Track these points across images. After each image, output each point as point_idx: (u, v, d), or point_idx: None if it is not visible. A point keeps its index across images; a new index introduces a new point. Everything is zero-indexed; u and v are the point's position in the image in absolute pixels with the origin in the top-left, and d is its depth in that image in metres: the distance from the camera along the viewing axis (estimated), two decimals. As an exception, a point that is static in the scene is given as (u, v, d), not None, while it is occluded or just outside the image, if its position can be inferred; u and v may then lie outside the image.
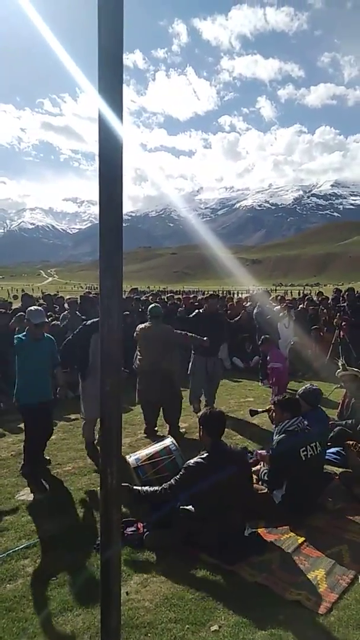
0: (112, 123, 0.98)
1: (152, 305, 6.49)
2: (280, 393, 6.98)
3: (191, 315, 7.29)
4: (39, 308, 4.94)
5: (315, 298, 13.82)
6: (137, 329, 6.04)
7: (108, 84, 1.00)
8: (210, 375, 6.97)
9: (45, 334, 4.83)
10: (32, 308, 4.81)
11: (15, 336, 4.71)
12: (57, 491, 4.31)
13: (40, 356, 4.67)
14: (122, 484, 3.48)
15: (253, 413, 5.26)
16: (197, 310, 7.37)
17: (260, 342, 7.70)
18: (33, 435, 4.65)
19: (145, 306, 10.70)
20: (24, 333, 4.70)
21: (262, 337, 7.77)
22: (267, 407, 5.08)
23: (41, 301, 12.00)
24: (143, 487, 3.54)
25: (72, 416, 6.58)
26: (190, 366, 6.99)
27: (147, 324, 6.03)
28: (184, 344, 6.33)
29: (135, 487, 3.55)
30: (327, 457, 4.57)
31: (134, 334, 6.07)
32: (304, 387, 4.58)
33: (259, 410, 5.15)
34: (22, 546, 3.34)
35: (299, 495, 3.65)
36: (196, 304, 12.55)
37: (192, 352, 7.04)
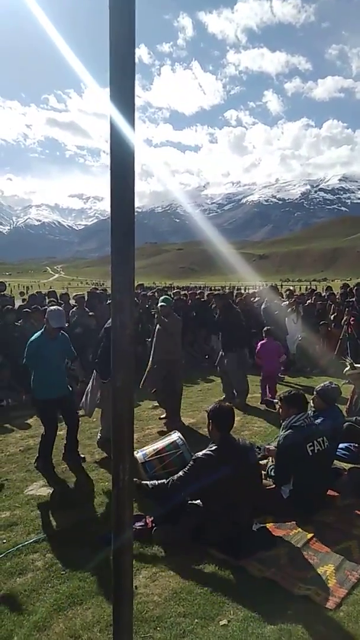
0: (123, 129, 0.97)
1: (162, 297, 6.66)
2: (271, 382, 7.43)
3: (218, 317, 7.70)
4: (60, 309, 4.93)
5: (323, 293, 13.72)
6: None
7: (120, 90, 0.98)
8: (227, 371, 7.28)
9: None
10: (52, 308, 4.81)
11: (32, 339, 4.71)
12: (66, 486, 4.34)
13: (55, 353, 4.74)
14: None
15: (269, 403, 5.23)
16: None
17: (264, 331, 7.82)
18: (50, 429, 4.70)
19: (152, 302, 10.72)
20: (40, 332, 4.72)
21: (265, 328, 7.90)
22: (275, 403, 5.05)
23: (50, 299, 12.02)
24: (151, 481, 3.54)
25: (80, 412, 6.59)
26: (219, 363, 7.33)
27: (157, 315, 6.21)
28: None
29: (143, 482, 3.55)
30: (336, 453, 4.56)
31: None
32: (322, 385, 4.52)
33: (274, 400, 5.11)
34: (31, 540, 3.37)
35: (306, 490, 3.64)
36: (203, 299, 12.54)
37: (222, 349, 7.37)
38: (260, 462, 3.92)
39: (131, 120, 0.96)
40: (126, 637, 1.10)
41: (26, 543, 3.33)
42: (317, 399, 4.35)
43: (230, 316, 7.31)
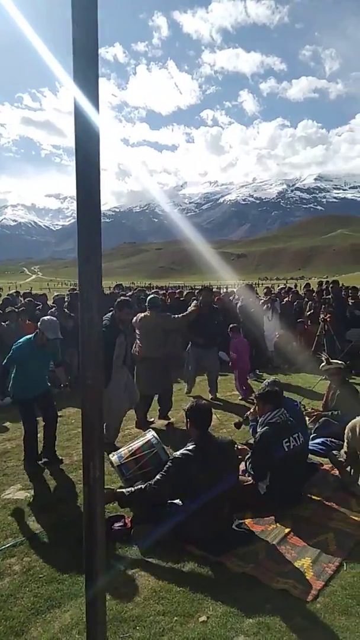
0: (88, 112, 0.97)
1: (151, 295, 6.69)
2: (242, 376, 7.58)
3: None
4: (54, 319, 4.81)
5: (301, 291, 13.91)
6: (136, 317, 6.08)
7: (83, 73, 0.98)
8: (207, 367, 7.37)
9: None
10: (46, 318, 4.74)
11: (20, 341, 4.66)
12: (44, 488, 4.29)
13: (42, 360, 4.76)
14: (106, 487, 3.45)
15: (239, 425, 5.09)
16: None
17: (229, 329, 7.88)
18: (29, 427, 4.69)
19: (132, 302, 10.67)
20: (30, 338, 4.67)
21: (230, 325, 7.96)
22: (245, 416, 5.01)
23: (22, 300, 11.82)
24: (127, 489, 3.41)
25: (63, 411, 6.54)
26: (186, 356, 7.37)
27: (146, 313, 6.11)
28: (182, 326, 6.45)
29: (119, 490, 3.42)
30: (311, 447, 4.63)
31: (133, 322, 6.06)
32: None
33: (241, 420, 5.06)
34: (8, 544, 3.32)
35: (283, 485, 3.68)
36: (182, 299, 12.56)
37: (190, 342, 7.35)
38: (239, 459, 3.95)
39: (95, 103, 0.96)
40: (99, 636, 1.09)
41: (3, 547, 3.28)
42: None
43: (213, 315, 7.34)
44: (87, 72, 0.96)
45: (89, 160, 0.98)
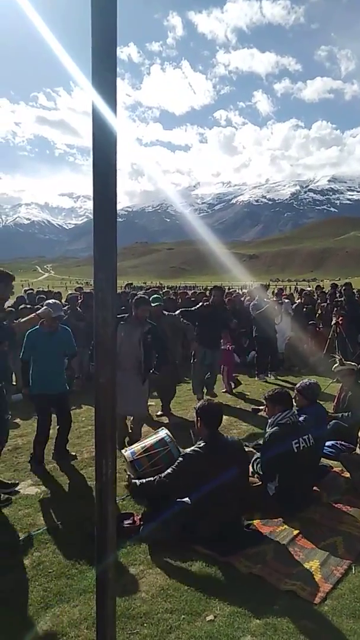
0: (105, 115, 0.99)
1: (154, 295, 6.74)
2: (229, 372, 7.90)
3: (195, 308, 7.52)
4: (56, 301, 5.00)
5: (314, 292, 13.83)
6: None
7: (102, 76, 1.00)
8: (210, 366, 7.28)
9: (61, 325, 4.92)
10: (50, 301, 4.91)
11: (29, 331, 4.73)
12: (55, 485, 4.34)
13: (53, 348, 4.79)
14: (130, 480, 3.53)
15: (256, 411, 5.26)
16: (201, 303, 7.60)
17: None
18: (42, 427, 4.74)
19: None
20: (36, 326, 4.73)
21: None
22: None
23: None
24: (140, 479, 3.55)
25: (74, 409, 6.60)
26: (192, 356, 7.27)
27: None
28: (186, 331, 6.60)
29: (132, 480, 3.56)
30: (323, 449, 4.61)
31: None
32: (302, 382, 4.61)
33: (260, 407, 5.14)
34: (19, 539, 3.36)
35: (292, 487, 3.68)
36: (192, 299, 12.58)
37: (196, 342, 7.25)
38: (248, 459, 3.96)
39: (113, 106, 0.97)
40: (109, 629, 1.11)
41: (14, 542, 3.33)
42: (299, 396, 4.40)
43: (222, 314, 7.35)
44: (105, 76, 0.98)
45: (106, 162, 1.00)
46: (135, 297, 5.50)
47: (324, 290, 13.33)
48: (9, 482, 4.24)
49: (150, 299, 6.33)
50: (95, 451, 1.13)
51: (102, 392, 1.06)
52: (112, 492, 1.14)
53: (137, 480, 3.56)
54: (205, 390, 7.39)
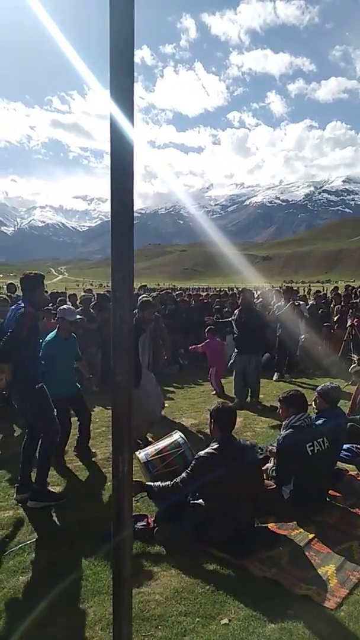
0: (123, 125, 1.00)
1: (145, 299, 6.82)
2: (218, 374, 7.89)
3: (233, 317, 7.60)
4: (71, 307, 5.24)
5: (329, 295, 13.70)
6: None
7: (120, 86, 1.01)
8: (246, 371, 7.25)
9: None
10: (64, 307, 5.14)
11: (47, 340, 4.87)
12: (71, 485, 4.36)
13: (68, 353, 4.94)
14: (135, 480, 3.53)
15: (275, 408, 5.24)
16: (237, 310, 7.67)
17: (206, 330, 8.10)
18: (63, 428, 4.77)
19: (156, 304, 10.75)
20: (55, 332, 4.93)
21: (208, 327, 8.15)
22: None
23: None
24: (155, 483, 3.54)
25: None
26: (237, 364, 7.32)
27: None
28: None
29: (147, 484, 3.55)
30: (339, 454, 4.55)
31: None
32: (323, 385, 4.51)
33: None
34: (34, 539, 3.39)
35: (306, 490, 3.64)
36: (206, 301, 12.57)
37: (235, 349, 7.43)
38: (262, 462, 3.93)
39: (130, 115, 0.99)
40: (125, 628, 1.11)
41: (29, 542, 3.35)
42: (319, 399, 4.34)
43: (253, 315, 7.34)
44: (123, 85, 0.99)
45: (123, 169, 1.01)
46: (141, 301, 5.61)
47: (339, 292, 13.18)
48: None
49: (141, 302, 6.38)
50: (112, 448, 1.14)
51: (118, 389, 1.08)
52: (128, 489, 1.16)
53: (152, 484, 3.54)
54: (249, 395, 7.34)
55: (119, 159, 0.99)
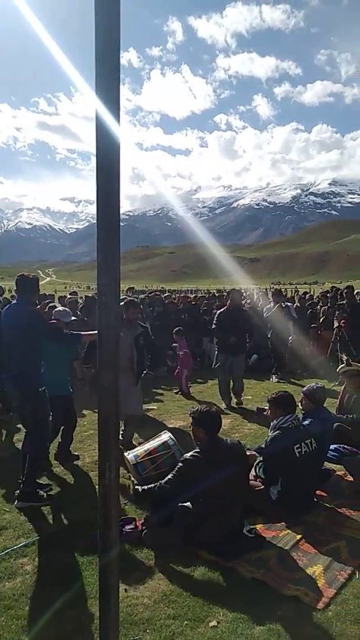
0: (109, 123, 0.99)
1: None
2: (187, 376, 8.04)
3: (219, 314, 7.42)
4: (66, 309, 5.23)
5: (312, 295, 13.81)
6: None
7: (105, 84, 1.01)
8: (232, 373, 7.22)
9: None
10: (60, 309, 5.16)
11: None
12: (58, 488, 4.32)
13: (62, 352, 4.90)
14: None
15: (260, 411, 5.24)
16: (221, 309, 7.56)
17: (174, 332, 8.24)
18: (54, 426, 4.77)
19: (144, 306, 10.74)
20: None
21: (176, 328, 8.29)
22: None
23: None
24: (142, 486, 3.53)
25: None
26: (222, 365, 7.23)
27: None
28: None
29: (136, 486, 3.54)
30: (326, 454, 4.58)
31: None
32: (309, 385, 4.57)
33: (265, 407, 5.11)
34: (20, 544, 3.35)
35: (294, 491, 3.66)
36: (194, 303, 12.58)
37: (217, 347, 7.36)
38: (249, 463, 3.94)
39: (116, 114, 0.98)
40: (112, 633, 1.10)
41: (16, 547, 3.31)
42: (305, 400, 4.38)
43: (241, 317, 7.30)
44: (109, 84, 0.99)
45: (109, 170, 1.01)
46: (125, 301, 5.65)
47: (326, 293, 13.28)
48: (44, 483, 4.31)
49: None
50: (98, 455, 1.13)
51: (105, 395, 1.07)
52: (115, 495, 1.15)
53: (139, 487, 3.53)
54: (233, 397, 7.36)
55: (104, 158, 0.98)
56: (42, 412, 4.07)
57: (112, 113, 0.98)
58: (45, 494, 4.08)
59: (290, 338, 9.83)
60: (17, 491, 3.99)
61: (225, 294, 14.77)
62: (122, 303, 5.54)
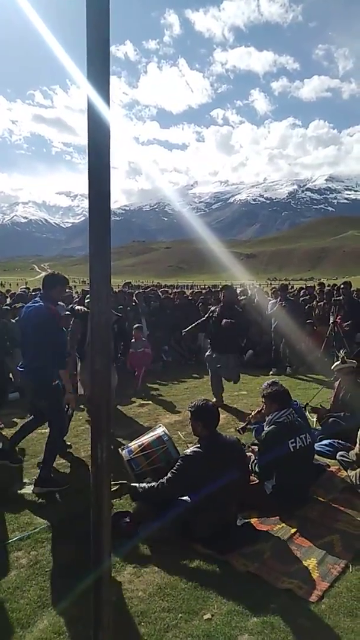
0: (99, 108, 0.99)
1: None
2: (140, 374, 8.14)
3: (213, 314, 7.04)
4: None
5: (315, 290, 13.82)
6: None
7: (96, 70, 1.01)
8: (224, 376, 7.00)
9: None
10: None
11: None
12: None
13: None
14: (119, 482, 3.50)
15: (243, 430, 5.08)
16: (215, 307, 7.29)
17: (133, 328, 8.44)
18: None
19: (139, 300, 10.73)
20: None
21: (135, 325, 8.44)
22: (247, 419, 5.09)
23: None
24: (140, 484, 3.49)
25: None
26: (216, 364, 6.90)
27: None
28: None
29: (132, 485, 3.50)
30: (318, 448, 4.61)
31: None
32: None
33: (248, 427, 5.04)
34: (15, 538, 3.35)
35: (289, 486, 3.67)
36: (190, 298, 12.59)
37: (210, 346, 7.08)
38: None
39: (106, 98, 0.99)
40: (105, 624, 1.11)
41: (10, 541, 3.31)
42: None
43: (234, 313, 6.94)
44: (99, 68, 0.99)
45: (100, 158, 1.01)
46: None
47: (323, 289, 13.29)
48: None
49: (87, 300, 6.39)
50: (91, 435, 1.16)
51: (97, 377, 1.11)
52: (107, 475, 1.18)
53: (138, 485, 3.48)
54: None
55: (96, 147, 0.99)
56: (56, 403, 4.31)
57: (102, 97, 0.98)
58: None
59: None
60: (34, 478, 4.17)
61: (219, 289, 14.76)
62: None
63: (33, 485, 4.10)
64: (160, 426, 4.18)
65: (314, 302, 11.84)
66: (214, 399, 7.06)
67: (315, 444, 4.53)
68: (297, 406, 4.53)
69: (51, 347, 4.10)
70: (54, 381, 4.22)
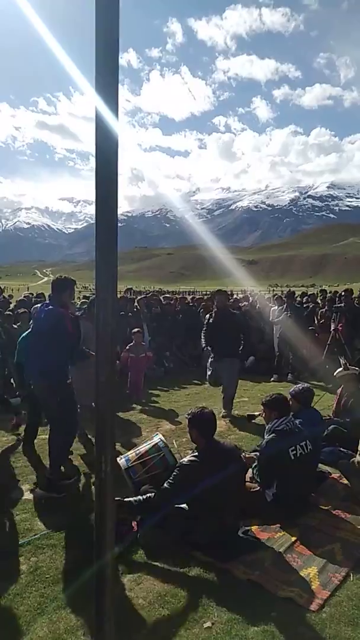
0: (107, 118, 1.01)
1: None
2: (135, 380, 7.97)
3: (209, 319, 7.01)
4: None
5: (317, 297, 13.83)
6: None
7: (104, 80, 1.02)
8: (222, 378, 6.88)
9: None
10: (38, 306, 5.19)
11: (23, 335, 5.22)
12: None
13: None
14: (115, 499, 3.45)
15: (251, 418, 5.24)
16: (210, 313, 7.25)
17: (133, 332, 8.31)
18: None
19: (141, 306, 10.73)
20: (29, 330, 5.09)
21: (134, 330, 8.33)
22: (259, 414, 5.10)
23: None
24: (135, 497, 3.43)
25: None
26: (217, 371, 6.85)
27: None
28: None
29: (127, 499, 3.41)
30: (321, 456, 4.60)
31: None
32: (295, 387, 4.61)
33: (255, 414, 5.12)
34: (17, 544, 3.34)
35: (289, 493, 3.66)
36: (191, 304, 12.59)
37: (211, 353, 6.99)
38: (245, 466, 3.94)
39: (115, 109, 1.00)
40: (107, 631, 1.11)
41: (12, 547, 3.30)
42: (292, 401, 4.39)
43: (227, 318, 6.85)
44: (107, 81, 1.00)
45: (107, 165, 1.02)
46: (91, 299, 5.73)
47: (323, 296, 13.30)
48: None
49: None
50: (94, 447, 1.15)
51: (102, 389, 1.10)
52: (110, 487, 1.16)
53: (132, 499, 3.40)
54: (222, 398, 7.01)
55: (103, 155, 1.00)
56: (68, 401, 4.35)
57: (111, 108, 0.99)
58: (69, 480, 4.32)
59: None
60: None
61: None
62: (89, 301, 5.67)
63: (37, 488, 4.16)
64: (157, 434, 4.18)
65: (316, 310, 11.83)
66: (217, 406, 7.03)
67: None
68: (316, 413, 4.55)
69: (67, 347, 4.25)
70: (67, 379, 4.39)
